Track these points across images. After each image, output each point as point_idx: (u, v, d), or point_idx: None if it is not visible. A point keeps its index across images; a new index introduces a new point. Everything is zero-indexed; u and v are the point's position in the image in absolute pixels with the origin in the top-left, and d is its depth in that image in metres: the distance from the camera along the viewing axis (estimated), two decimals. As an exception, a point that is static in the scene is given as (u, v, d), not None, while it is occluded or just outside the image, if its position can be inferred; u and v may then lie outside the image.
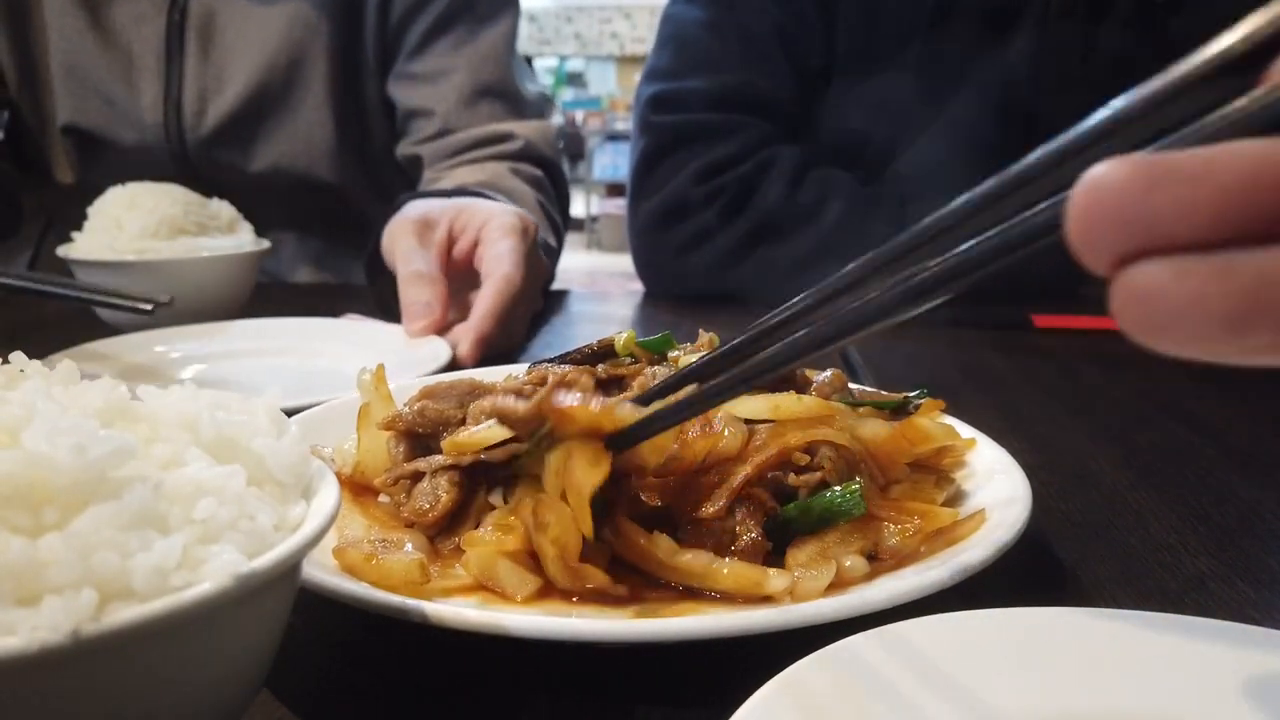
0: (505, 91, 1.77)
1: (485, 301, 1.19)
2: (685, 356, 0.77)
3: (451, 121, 1.73)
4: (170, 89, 1.69)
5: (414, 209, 1.33)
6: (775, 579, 0.55)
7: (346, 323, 1.30)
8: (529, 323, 1.39)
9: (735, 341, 0.51)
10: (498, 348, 1.21)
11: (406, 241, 1.26)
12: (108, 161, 1.73)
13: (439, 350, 1.11)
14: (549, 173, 1.76)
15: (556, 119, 1.86)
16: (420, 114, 1.76)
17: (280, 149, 1.73)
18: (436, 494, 0.67)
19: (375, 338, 1.23)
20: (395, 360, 1.08)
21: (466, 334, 1.16)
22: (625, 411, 0.54)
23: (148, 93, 1.68)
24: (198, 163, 1.71)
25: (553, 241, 1.67)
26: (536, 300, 1.44)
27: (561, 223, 1.79)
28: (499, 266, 1.23)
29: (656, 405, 0.54)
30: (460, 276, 1.28)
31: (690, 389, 0.53)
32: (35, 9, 1.68)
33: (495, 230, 1.27)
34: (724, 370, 0.51)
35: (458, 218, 1.31)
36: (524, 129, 1.73)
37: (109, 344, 1.16)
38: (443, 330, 1.19)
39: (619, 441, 0.55)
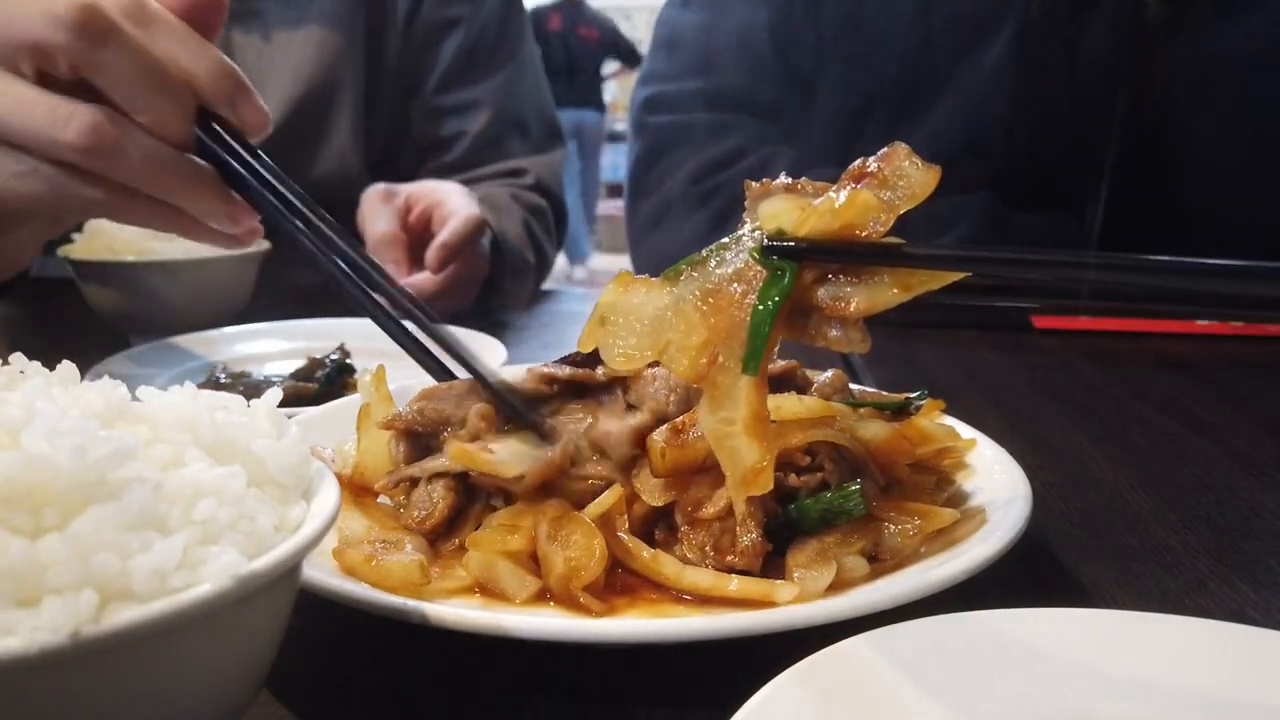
0: (522, 124, 1.87)
1: (451, 223, 1.41)
2: None
3: (473, 156, 1.84)
4: None
5: (380, 185, 1.56)
6: (783, 590, 0.55)
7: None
8: (476, 293, 1.56)
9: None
10: (448, 306, 1.44)
11: (372, 208, 1.51)
12: None
13: (496, 350, 1.13)
14: (551, 203, 1.90)
15: (560, 152, 1.98)
16: (443, 144, 1.86)
17: (315, 172, 1.76)
18: (433, 500, 0.67)
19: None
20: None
21: (434, 248, 1.38)
22: None
23: None
24: None
25: (530, 257, 1.78)
26: (472, 290, 1.55)
27: (550, 247, 1.92)
28: (463, 209, 1.45)
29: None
30: (415, 239, 1.49)
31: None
32: None
33: (454, 194, 1.52)
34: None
35: (415, 189, 1.54)
36: (535, 165, 1.87)
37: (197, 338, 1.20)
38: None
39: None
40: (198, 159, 0.79)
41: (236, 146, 0.80)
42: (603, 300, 0.55)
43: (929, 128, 1.63)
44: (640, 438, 0.65)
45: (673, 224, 1.64)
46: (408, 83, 1.85)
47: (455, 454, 0.67)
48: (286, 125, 1.72)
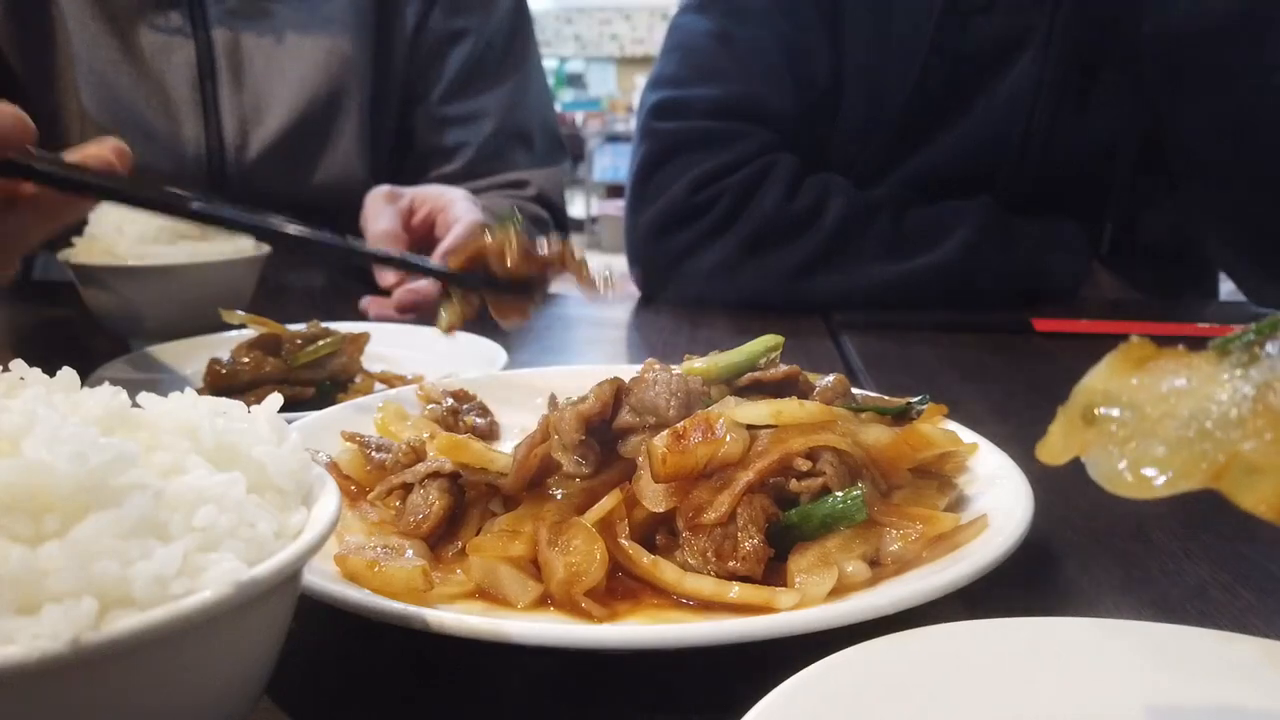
0: (526, 136, 1.88)
1: (456, 230, 1.40)
2: None
3: (476, 166, 1.85)
4: (209, 120, 1.70)
5: (385, 186, 1.57)
6: (785, 597, 0.55)
7: (387, 327, 1.32)
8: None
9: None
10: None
11: (375, 207, 1.52)
12: None
13: (497, 355, 1.14)
14: (554, 215, 1.92)
15: (563, 165, 1.99)
16: (446, 153, 1.86)
17: (318, 179, 1.76)
18: (428, 502, 0.67)
19: (415, 339, 1.27)
20: (452, 359, 1.14)
21: (438, 254, 1.33)
22: None
23: (188, 124, 1.69)
24: (236, 193, 1.72)
25: None
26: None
27: None
28: (467, 216, 1.45)
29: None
30: (417, 243, 1.50)
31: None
32: (62, 44, 1.66)
33: (459, 200, 1.51)
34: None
35: (420, 193, 1.55)
36: (538, 177, 1.88)
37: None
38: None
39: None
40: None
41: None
42: (1091, 385, 0.37)
43: (943, 144, 1.64)
44: (585, 422, 0.65)
45: (673, 233, 1.63)
46: (414, 92, 1.85)
47: (444, 446, 0.67)
48: (293, 130, 1.72)
